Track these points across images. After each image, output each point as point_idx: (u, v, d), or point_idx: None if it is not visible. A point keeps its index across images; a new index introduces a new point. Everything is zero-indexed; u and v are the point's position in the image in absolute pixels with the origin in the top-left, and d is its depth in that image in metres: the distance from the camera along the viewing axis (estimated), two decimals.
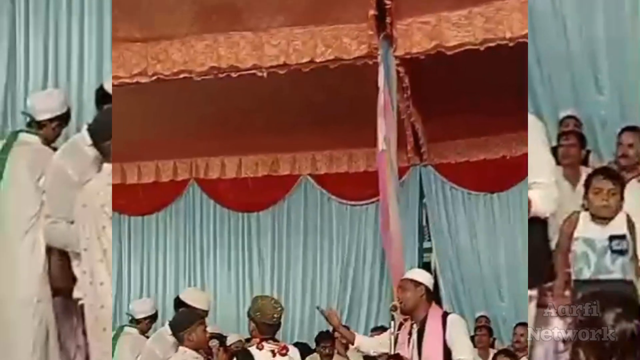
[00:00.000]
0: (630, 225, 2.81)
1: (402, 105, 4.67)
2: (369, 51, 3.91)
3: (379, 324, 5.56)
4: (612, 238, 2.77)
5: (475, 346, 5.22)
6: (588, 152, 3.60)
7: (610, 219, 2.82)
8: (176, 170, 6.55)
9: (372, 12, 3.72)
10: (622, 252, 2.74)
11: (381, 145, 3.93)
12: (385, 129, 3.93)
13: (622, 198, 2.82)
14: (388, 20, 3.80)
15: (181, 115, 5.09)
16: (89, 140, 2.64)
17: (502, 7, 3.62)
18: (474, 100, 4.89)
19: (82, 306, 2.60)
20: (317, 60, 4.00)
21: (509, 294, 5.98)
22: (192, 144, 5.96)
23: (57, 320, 2.91)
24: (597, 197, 2.81)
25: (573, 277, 2.80)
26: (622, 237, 2.77)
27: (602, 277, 2.73)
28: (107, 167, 2.54)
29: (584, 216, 2.85)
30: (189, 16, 4.03)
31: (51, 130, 3.11)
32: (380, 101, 3.92)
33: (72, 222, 2.66)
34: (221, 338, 4.76)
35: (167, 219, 6.62)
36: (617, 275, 2.73)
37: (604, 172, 2.87)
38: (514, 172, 6.01)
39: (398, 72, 4.12)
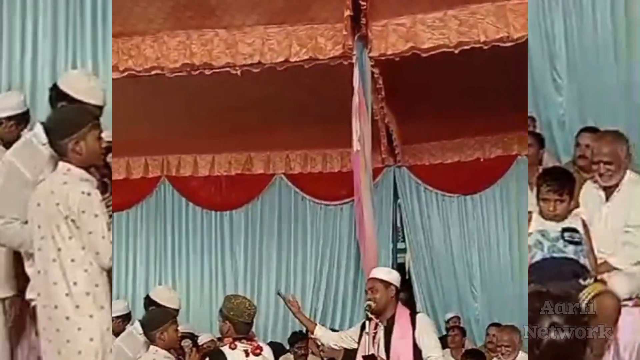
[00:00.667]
0: (585, 227, 2.87)
1: (376, 107, 4.67)
2: (344, 51, 3.88)
3: (354, 324, 5.56)
4: (565, 230, 2.82)
5: (447, 346, 5.30)
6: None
7: (562, 219, 2.87)
8: (147, 167, 6.46)
9: (347, 12, 3.69)
10: (574, 243, 2.80)
11: (356, 145, 3.91)
12: (359, 130, 3.91)
13: (571, 199, 2.88)
14: (363, 21, 3.79)
15: (153, 112, 5.02)
16: (43, 139, 2.58)
17: (476, 11, 3.62)
18: (449, 103, 4.91)
19: (35, 307, 2.55)
20: (292, 59, 3.96)
21: (482, 295, 6.04)
22: (164, 140, 5.89)
23: (8, 321, 2.85)
24: (545, 204, 2.87)
25: (529, 265, 2.84)
26: (575, 230, 2.82)
27: (555, 255, 2.78)
28: (63, 165, 2.49)
29: (537, 216, 2.92)
30: (162, 12, 3.96)
31: (7, 129, 3.05)
32: (355, 102, 3.91)
33: (26, 222, 2.60)
34: (193, 337, 4.71)
35: (138, 217, 6.53)
36: (570, 255, 2.78)
37: (548, 180, 2.89)
38: (487, 174, 6.09)
39: (373, 73, 4.12)
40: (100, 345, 2.40)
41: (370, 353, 3.16)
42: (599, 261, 2.85)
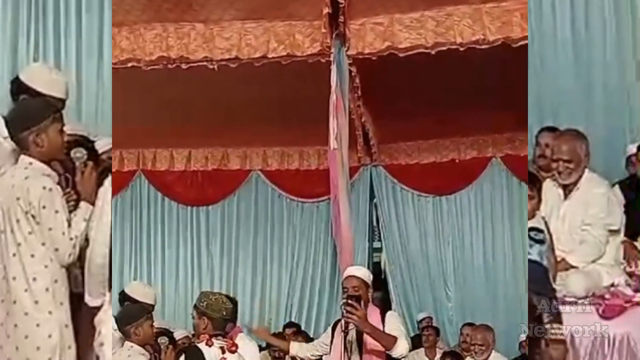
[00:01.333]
0: (547, 228, 2.90)
1: (353, 105, 4.69)
2: (322, 49, 3.89)
3: (330, 322, 5.57)
4: (530, 229, 2.86)
5: (421, 345, 5.34)
6: None
7: (530, 217, 2.92)
8: (122, 161, 6.39)
9: (326, 10, 3.70)
10: (539, 242, 2.83)
11: (332, 144, 3.92)
12: (336, 128, 3.93)
13: (540, 199, 2.92)
14: (341, 19, 3.80)
15: (129, 105, 4.96)
16: (4, 132, 2.55)
17: (452, 13, 3.67)
18: (425, 103, 4.94)
19: None
20: (270, 55, 3.95)
21: (455, 295, 6.10)
22: (139, 134, 5.83)
23: None
24: None
25: None
26: (540, 230, 2.86)
27: None
28: (24, 159, 2.47)
29: None
30: (139, 3, 3.94)
31: None
32: (332, 100, 3.92)
33: None
34: (168, 333, 4.67)
35: (112, 211, 6.42)
36: (534, 257, 2.82)
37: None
38: (462, 175, 6.15)
39: (350, 71, 4.13)
40: (59, 341, 2.37)
41: (357, 294, 3.18)
42: (558, 259, 2.90)
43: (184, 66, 4.08)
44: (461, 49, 3.76)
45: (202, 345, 3.02)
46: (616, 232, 3.04)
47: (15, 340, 2.35)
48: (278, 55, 3.95)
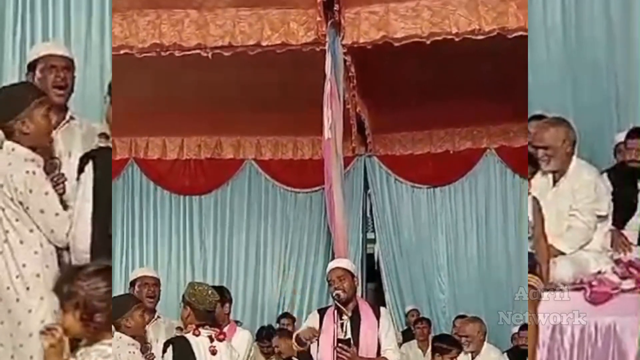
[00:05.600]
0: (537, 208, 2.91)
1: (348, 95, 4.66)
2: (317, 38, 3.87)
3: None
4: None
5: (414, 338, 5.35)
6: None
7: None
8: (115, 149, 6.32)
9: None
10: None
11: (327, 133, 3.90)
12: (331, 118, 3.90)
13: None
14: (336, 7, 3.77)
15: (121, 92, 4.90)
16: None
17: (448, 2, 3.65)
18: (419, 94, 4.93)
19: None
20: (264, 44, 3.93)
21: (449, 286, 6.10)
22: (132, 122, 5.77)
23: None
24: None
25: None
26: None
27: None
28: (7, 145, 2.43)
29: None
30: None
31: None
32: (327, 89, 3.89)
33: None
34: None
35: None
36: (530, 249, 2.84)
37: None
38: (456, 167, 6.14)
39: (345, 60, 4.10)
40: None
41: (346, 337, 3.17)
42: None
43: (177, 53, 4.04)
44: (456, 39, 3.74)
45: (189, 336, 3.01)
46: (604, 218, 3.05)
47: (9, 327, 2.34)
48: (272, 44, 3.92)
